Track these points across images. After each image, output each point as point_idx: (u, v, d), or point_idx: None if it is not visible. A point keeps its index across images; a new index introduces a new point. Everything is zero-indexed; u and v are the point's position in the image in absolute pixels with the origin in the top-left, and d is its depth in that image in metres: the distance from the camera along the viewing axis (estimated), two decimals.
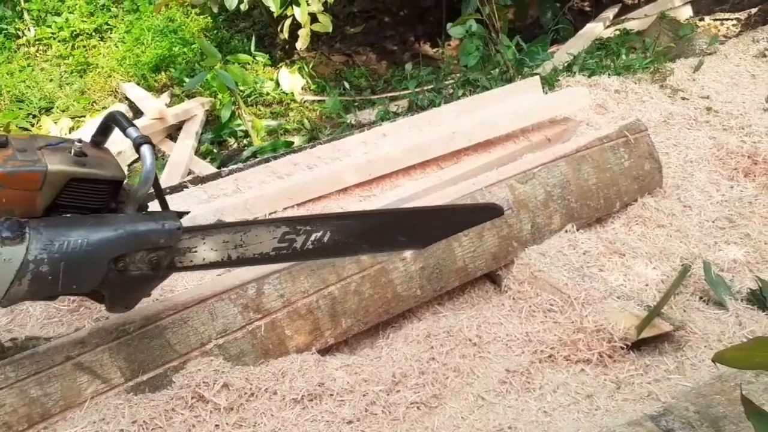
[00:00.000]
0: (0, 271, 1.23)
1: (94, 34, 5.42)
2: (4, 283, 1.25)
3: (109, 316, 1.68)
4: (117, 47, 5.25)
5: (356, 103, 4.27)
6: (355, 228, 1.69)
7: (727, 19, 4.81)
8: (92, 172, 1.32)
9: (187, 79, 4.43)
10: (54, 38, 5.32)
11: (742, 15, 4.78)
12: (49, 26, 5.40)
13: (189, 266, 1.50)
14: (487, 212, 2.00)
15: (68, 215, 1.33)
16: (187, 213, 1.50)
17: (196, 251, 1.49)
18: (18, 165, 1.23)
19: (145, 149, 1.34)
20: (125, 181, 1.43)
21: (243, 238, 1.53)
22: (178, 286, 1.98)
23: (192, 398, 1.55)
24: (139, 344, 1.55)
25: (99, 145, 1.42)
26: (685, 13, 4.91)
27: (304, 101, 4.48)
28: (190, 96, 4.46)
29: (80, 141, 1.36)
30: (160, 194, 1.45)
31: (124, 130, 1.38)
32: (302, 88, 4.62)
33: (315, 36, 4.79)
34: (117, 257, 1.35)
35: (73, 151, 1.31)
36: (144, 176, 1.35)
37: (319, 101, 4.44)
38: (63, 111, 4.47)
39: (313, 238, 1.62)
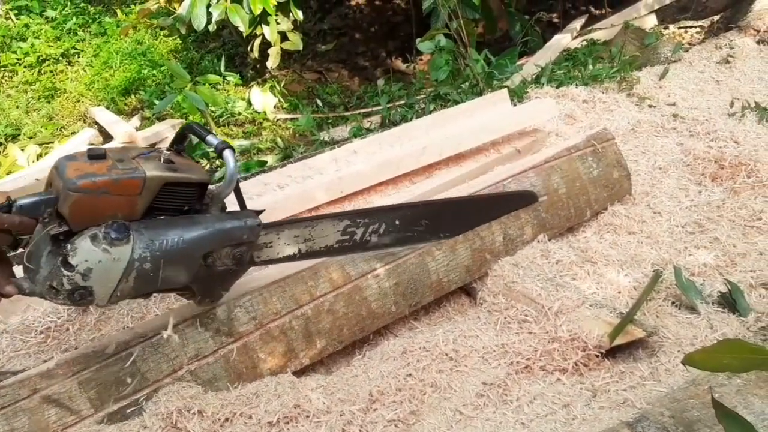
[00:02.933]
0: (110, 270, 1.33)
1: (61, 58, 5.38)
2: (113, 281, 1.35)
3: (78, 346, 1.64)
4: (85, 71, 5.22)
5: (329, 120, 4.28)
6: (407, 218, 1.84)
7: (690, 27, 4.92)
8: (184, 176, 1.42)
9: (157, 102, 4.41)
10: (20, 64, 5.26)
11: (705, 22, 4.89)
12: (14, 52, 5.34)
13: (266, 260, 1.63)
14: (524, 198, 2.14)
15: (162, 217, 1.43)
16: (263, 211, 1.58)
17: (272, 246, 1.62)
18: (120, 173, 1.33)
19: (228, 153, 1.46)
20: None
21: (311, 233, 1.67)
22: (150, 313, 1.95)
23: (165, 427, 1.52)
24: (109, 373, 1.52)
25: (180, 153, 1.51)
26: (650, 21, 5.02)
27: (277, 120, 4.47)
28: (161, 118, 4.44)
29: (166, 150, 1.47)
30: (239, 194, 1.55)
31: (203, 139, 1.50)
32: (274, 107, 4.62)
33: (286, 54, 4.81)
34: (206, 254, 1.46)
35: (162, 159, 1.41)
36: (228, 178, 1.47)
37: (292, 119, 4.44)
38: (30, 138, 4.41)
39: (370, 230, 1.77)
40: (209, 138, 1.49)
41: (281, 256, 1.65)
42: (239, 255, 1.52)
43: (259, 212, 1.56)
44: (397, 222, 1.83)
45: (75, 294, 1.33)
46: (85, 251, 1.31)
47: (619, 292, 2.01)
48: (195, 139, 1.51)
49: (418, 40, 3.97)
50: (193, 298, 1.54)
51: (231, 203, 1.55)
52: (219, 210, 1.51)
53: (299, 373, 1.78)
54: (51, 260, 1.32)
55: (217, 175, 3.00)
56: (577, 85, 3.58)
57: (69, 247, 1.30)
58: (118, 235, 1.32)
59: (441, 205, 2.01)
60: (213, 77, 4.06)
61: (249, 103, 4.58)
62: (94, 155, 1.35)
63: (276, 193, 2.36)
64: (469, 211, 2.02)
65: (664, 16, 5.14)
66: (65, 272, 1.31)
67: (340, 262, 1.82)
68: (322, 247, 1.70)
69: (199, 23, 4.20)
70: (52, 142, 4.33)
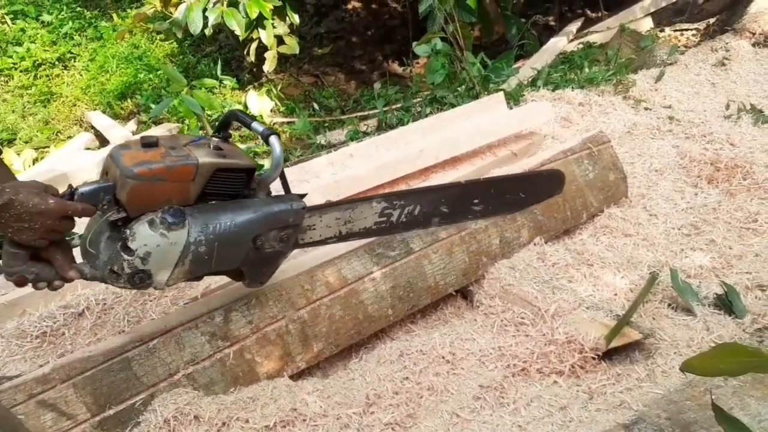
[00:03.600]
0: (168, 254, 1.38)
1: (57, 63, 5.37)
2: (171, 264, 1.40)
3: (74, 351, 1.63)
4: (81, 75, 5.21)
5: (326, 124, 4.28)
6: (440, 200, 1.88)
7: (686, 30, 4.93)
8: (234, 162, 1.45)
9: (153, 106, 4.41)
10: (15, 68, 5.25)
11: (701, 25, 4.90)
12: (10, 56, 5.34)
13: (309, 242, 1.67)
14: (554, 178, 2.19)
15: (213, 202, 1.47)
16: (306, 195, 1.62)
17: (314, 228, 1.66)
18: (174, 160, 1.36)
19: (274, 139, 1.50)
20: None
21: (351, 215, 1.71)
22: (146, 317, 1.95)
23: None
24: (105, 378, 1.51)
25: (226, 140, 1.53)
26: (646, 24, 5.03)
27: (274, 123, 4.47)
28: (157, 122, 4.43)
29: (213, 137, 1.50)
30: (283, 179, 1.59)
31: (248, 125, 1.54)
32: (271, 110, 4.62)
33: (283, 58, 4.81)
34: (255, 236, 1.50)
35: (211, 146, 1.45)
36: (275, 163, 1.52)
37: (288, 123, 4.45)
38: (26, 142, 4.40)
39: (406, 211, 1.81)
40: (254, 124, 1.54)
41: (323, 238, 1.69)
42: (286, 237, 1.56)
43: (303, 196, 1.60)
44: (432, 203, 1.87)
45: (135, 277, 1.38)
46: (143, 236, 1.35)
47: (616, 295, 2.01)
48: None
49: (414, 43, 3.99)
50: (242, 279, 1.59)
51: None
52: (265, 194, 1.55)
53: (296, 376, 1.77)
54: (110, 245, 1.36)
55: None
56: (573, 87, 3.59)
57: (128, 232, 1.35)
58: (174, 219, 1.37)
59: (473, 186, 2.03)
60: (209, 81, 4.06)
61: (245, 107, 4.57)
62: (148, 143, 1.39)
63: None
64: (501, 193, 2.05)
65: (660, 18, 5.16)
66: (125, 256, 1.35)
67: (337, 266, 1.82)
68: (361, 229, 1.75)
69: (196, 27, 4.21)
70: (48, 147, 4.33)
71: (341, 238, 1.72)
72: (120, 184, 1.33)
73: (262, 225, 1.50)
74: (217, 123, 1.58)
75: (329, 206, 1.70)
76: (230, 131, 1.55)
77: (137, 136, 1.41)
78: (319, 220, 1.67)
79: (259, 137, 1.53)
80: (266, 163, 3.04)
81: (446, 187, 1.97)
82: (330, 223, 1.68)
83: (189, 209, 1.40)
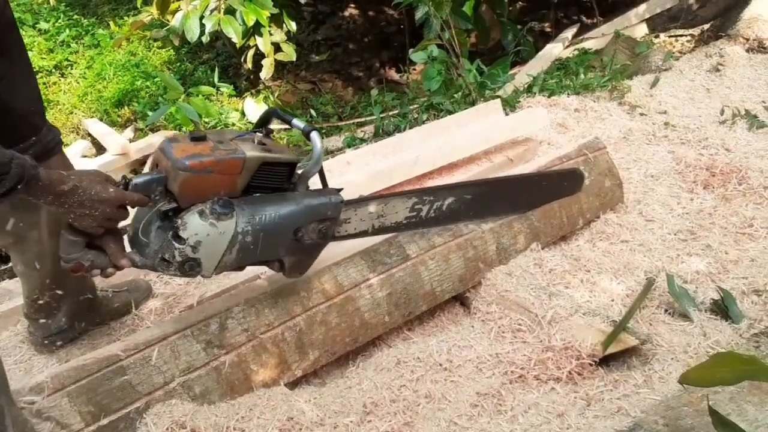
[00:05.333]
0: (216, 243, 1.43)
1: (54, 70, 5.37)
2: (219, 253, 1.45)
3: (68, 360, 1.63)
4: (78, 83, 5.21)
5: (323, 130, 4.29)
6: (467, 196, 1.95)
7: (681, 36, 4.95)
8: (278, 156, 1.52)
9: (150, 113, 4.41)
10: None
11: (696, 31, 4.92)
12: None
13: (344, 235, 1.73)
14: (573, 176, 2.27)
15: (257, 194, 1.52)
16: (342, 189, 1.67)
17: (350, 222, 1.72)
18: (223, 154, 1.42)
19: (314, 135, 1.57)
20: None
21: (384, 209, 1.78)
22: (142, 325, 1.94)
23: None
24: (99, 387, 1.50)
25: (268, 135, 1.59)
26: (641, 30, 5.05)
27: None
28: (154, 130, 4.43)
29: (256, 132, 1.56)
30: (321, 173, 1.64)
31: (288, 122, 1.62)
32: None
33: (280, 65, 4.81)
34: (297, 228, 1.56)
35: (256, 141, 1.51)
36: (315, 158, 1.57)
37: (285, 129, 4.44)
38: None
39: (435, 206, 1.88)
40: (295, 121, 1.61)
41: (357, 231, 1.75)
42: (324, 230, 1.62)
43: (339, 190, 1.65)
44: (459, 200, 1.94)
45: (185, 265, 1.43)
46: (194, 226, 1.40)
47: (612, 300, 2.01)
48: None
49: (411, 50, 4.00)
50: (282, 270, 1.64)
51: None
52: (305, 188, 1.61)
53: (292, 384, 1.77)
54: (161, 235, 1.41)
55: None
56: (569, 94, 3.60)
57: (179, 222, 1.40)
58: (224, 210, 1.42)
59: (498, 183, 2.12)
60: (206, 88, 4.07)
61: (243, 114, 4.58)
62: (196, 137, 1.45)
63: None
64: (522, 190, 2.14)
65: (655, 25, 5.18)
66: (177, 245, 1.40)
67: (333, 273, 1.82)
68: (393, 223, 1.82)
69: (192, 35, 4.21)
70: None
71: (374, 231, 1.79)
72: (172, 176, 1.38)
73: (303, 217, 1.56)
74: (257, 120, 1.66)
75: (364, 200, 1.77)
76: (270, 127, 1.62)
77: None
78: (354, 214, 1.73)
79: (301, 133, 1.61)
80: None
81: (473, 184, 2.06)
82: (364, 217, 1.75)
83: (236, 201, 1.46)
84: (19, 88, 1.44)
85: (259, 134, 1.55)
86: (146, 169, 1.49)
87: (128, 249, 1.45)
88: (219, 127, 4.44)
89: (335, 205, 1.62)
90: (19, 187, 1.18)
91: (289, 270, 1.64)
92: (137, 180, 1.38)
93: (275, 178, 1.54)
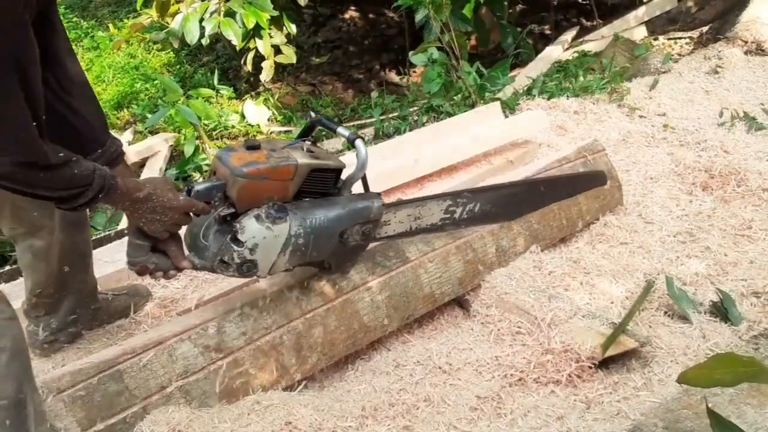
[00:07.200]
0: (272, 245, 1.53)
1: None
2: (274, 255, 1.54)
3: (64, 364, 1.62)
4: None
5: (323, 133, 4.28)
6: (496, 198, 2.05)
7: (680, 38, 4.96)
8: (326, 163, 1.62)
9: (149, 116, 4.40)
10: None
11: (694, 34, 4.93)
12: None
13: (384, 237, 1.83)
14: (597, 178, 2.35)
15: (307, 199, 1.62)
16: (381, 193, 1.76)
17: (389, 224, 1.81)
18: (278, 161, 1.51)
19: (359, 143, 1.65)
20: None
21: (420, 212, 1.87)
22: (140, 329, 1.94)
23: None
24: (95, 391, 1.50)
25: (314, 143, 1.68)
26: (640, 33, 5.06)
27: (271, 132, 4.47)
28: (154, 132, 4.42)
29: (305, 140, 1.66)
30: (364, 178, 1.72)
31: (333, 130, 1.71)
32: (268, 120, 4.62)
33: (280, 67, 4.82)
34: (342, 231, 1.66)
35: (305, 148, 1.60)
36: (360, 164, 1.65)
37: (285, 132, 4.44)
38: None
39: (467, 208, 1.97)
40: (340, 129, 1.69)
41: (396, 233, 1.84)
42: (367, 232, 1.72)
43: (380, 194, 1.74)
44: (491, 201, 2.03)
45: (243, 267, 1.51)
46: (252, 229, 1.49)
47: (612, 303, 2.01)
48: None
49: (411, 52, 4.00)
50: (327, 270, 1.76)
51: None
52: (349, 192, 1.70)
53: (291, 388, 1.76)
54: (220, 238, 1.50)
55: None
56: (568, 96, 3.60)
57: (238, 226, 1.48)
58: (279, 214, 1.52)
59: (528, 185, 2.21)
60: (206, 91, 4.07)
61: (243, 116, 4.57)
62: (251, 146, 1.54)
63: None
64: (547, 190, 2.22)
65: (654, 27, 5.18)
66: (235, 248, 1.49)
67: (331, 277, 1.81)
68: (428, 225, 1.90)
69: (192, 37, 4.21)
70: None
71: (411, 233, 1.88)
72: (230, 183, 1.47)
73: (348, 220, 1.66)
74: (302, 128, 1.75)
75: (402, 203, 1.88)
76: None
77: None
78: (393, 216, 1.82)
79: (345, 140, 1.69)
80: None
81: (504, 186, 2.14)
82: (402, 219, 1.84)
83: (289, 205, 1.55)
84: (80, 102, 1.49)
85: (307, 142, 1.64)
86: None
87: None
88: (219, 130, 4.44)
89: (377, 208, 1.71)
90: (100, 196, 1.28)
91: (334, 270, 1.75)
92: (199, 187, 1.46)
93: (323, 183, 1.63)
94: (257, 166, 1.48)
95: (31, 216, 1.68)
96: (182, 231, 1.53)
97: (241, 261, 1.50)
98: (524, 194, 2.15)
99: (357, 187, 1.73)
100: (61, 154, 1.24)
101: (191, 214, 1.47)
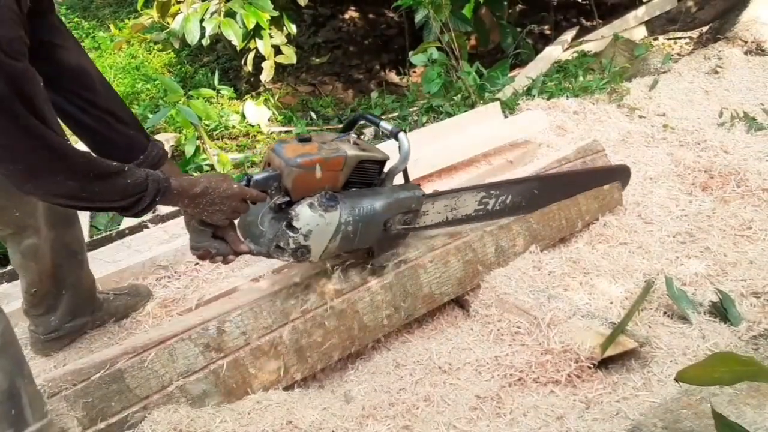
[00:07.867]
0: (324, 232, 1.61)
1: None
2: (325, 241, 1.63)
3: (66, 363, 1.63)
4: None
5: (323, 132, 4.28)
6: (525, 190, 2.12)
7: (679, 38, 4.96)
8: (373, 155, 1.70)
9: (150, 116, 4.40)
10: None
11: (694, 34, 4.93)
12: None
13: (422, 226, 1.90)
14: (623, 171, 2.48)
15: (354, 189, 1.70)
16: (420, 184, 1.85)
17: (427, 214, 1.89)
18: (329, 152, 1.60)
19: (402, 136, 1.73)
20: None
21: (456, 203, 1.94)
22: (140, 328, 1.94)
23: None
24: (96, 390, 1.50)
25: (359, 136, 1.75)
26: (640, 33, 5.06)
27: (271, 133, 4.48)
28: (155, 132, 4.42)
29: (351, 134, 1.73)
30: (405, 170, 1.80)
31: (377, 124, 1.79)
32: (269, 120, 4.62)
33: (280, 67, 4.82)
34: (386, 219, 1.74)
35: (352, 141, 1.68)
36: (402, 156, 1.73)
37: (286, 132, 4.45)
38: None
39: (500, 200, 2.04)
40: (383, 123, 1.77)
41: (434, 222, 1.92)
42: (408, 221, 1.81)
43: (419, 185, 1.82)
44: (522, 193, 2.11)
45: (297, 252, 1.60)
46: (306, 217, 1.58)
47: (611, 303, 2.01)
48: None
49: (411, 53, 4.00)
50: (371, 258, 1.83)
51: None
52: (391, 183, 1.77)
53: (291, 388, 1.76)
54: (275, 225, 1.59)
55: None
56: (567, 96, 3.60)
57: (293, 213, 1.57)
58: (330, 203, 1.60)
59: (556, 177, 2.31)
60: (206, 91, 4.07)
61: (243, 117, 4.58)
62: (303, 139, 1.63)
63: None
64: (571, 182, 2.31)
65: (654, 27, 5.19)
66: (290, 234, 1.58)
67: (332, 276, 1.81)
68: (463, 216, 1.98)
69: (193, 38, 4.21)
70: None
71: (447, 223, 1.95)
72: (286, 173, 1.56)
73: (392, 209, 1.74)
74: (344, 122, 1.83)
75: (439, 194, 1.93)
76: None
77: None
78: (432, 207, 1.89)
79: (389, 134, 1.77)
80: None
81: (533, 179, 2.22)
82: (439, 210, 1.91)
83: (339, 195, 1.63)
84: (112, 113, 1.49)
85: (353, 136, 1.72)
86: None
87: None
88: (219, 130, 4.44)
89: (418, 198, 1.79)
90: (157, 199, 1.33)
91: (376, 257, 1.83)
92: (257, 177, 1.55)
93: (369, 174, 1.72)
94: (311, 157, 1.56)
95: (14, 216, 1.67)
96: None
97: (296, 246, 1.58)
98: (554, 186, 2.22)
99: (398, 179, 1.80)
100: (114, 164, 1.26)
101: (248, 201, 1.52)
